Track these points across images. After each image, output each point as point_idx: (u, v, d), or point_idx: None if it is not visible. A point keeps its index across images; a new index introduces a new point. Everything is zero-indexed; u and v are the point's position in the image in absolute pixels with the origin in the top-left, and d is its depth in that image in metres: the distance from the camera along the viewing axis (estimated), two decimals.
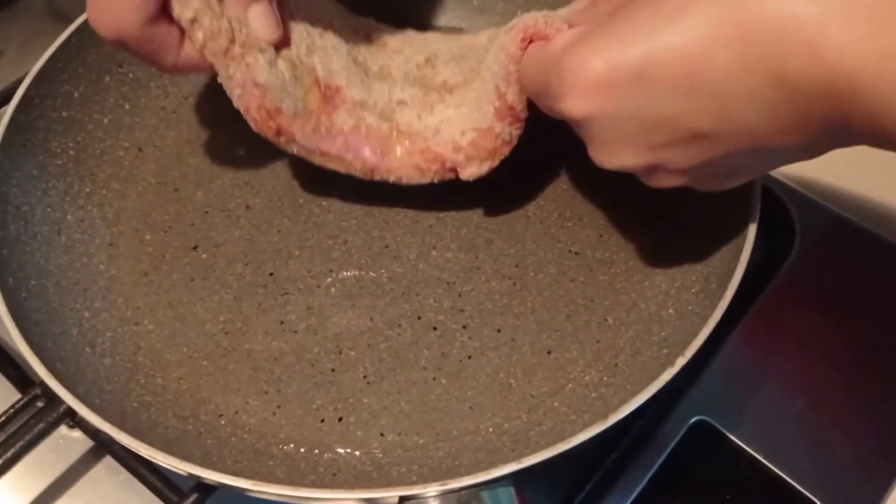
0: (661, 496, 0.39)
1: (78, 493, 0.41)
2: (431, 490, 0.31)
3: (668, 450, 0.40)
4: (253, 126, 0.38)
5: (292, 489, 0.31)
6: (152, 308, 0.41)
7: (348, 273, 0.42)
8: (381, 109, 0.41)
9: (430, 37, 0.46)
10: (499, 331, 0.40)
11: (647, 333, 0.39)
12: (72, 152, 0.44)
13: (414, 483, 0.31)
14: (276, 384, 0.39)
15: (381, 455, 0.37)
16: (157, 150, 0.47)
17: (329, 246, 0.43)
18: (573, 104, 0.30)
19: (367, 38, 0.44)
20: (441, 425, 0.37)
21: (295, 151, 0.40)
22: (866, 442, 0.40)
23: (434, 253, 0.43)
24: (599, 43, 0.29)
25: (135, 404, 0.37)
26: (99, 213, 0.44)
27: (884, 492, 0.39)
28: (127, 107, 0.47)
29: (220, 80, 0.37)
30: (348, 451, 0.37)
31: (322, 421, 0.38)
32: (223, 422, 0.38)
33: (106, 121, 0.46)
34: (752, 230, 0.36)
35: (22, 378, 0.42)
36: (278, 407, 0.38)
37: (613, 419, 0.31)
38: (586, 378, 0.38)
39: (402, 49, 0.44)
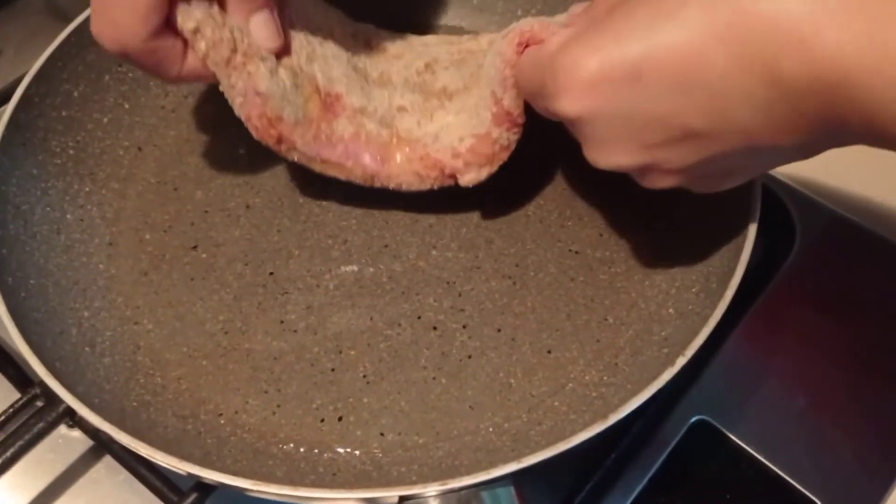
0: (661, 496, 0.39)
1: (77, 493, 0.41)
2: (431, 490, 0.31)
3: (669, 449, 0.40)
4: (254, 134, 0.39)
5: (292, 489, 0.31)
6: (152, 307, 0.41)
7: (348, 272, 0.42)
8: (381, 116, 0.41)
9: (430, 41, 0.46)
10: (499, 330, 0.40)
11: (647, 333, 0.39)
12: (71, 151, 0.44)
13: (414, 483, 0.31)
14: (276, 384, 0.39)
15: (380, 455, 0.37)
16: (157, 150, 0.47)
17: (329, 245, 0.43)
18: (567, 103, 0.30)
19: (367, 44, 0.44)
20: (441, 425, 0.37)
21: (296, 159, 0.40)
22: (867, 441, 0.40)
23: (434, 252, 0.43)
24: (594, 42, 0.29)
25: (134, 404, 0.37)
26: (98, 213, 0.44)
27: (884, 492, 0.39)
28: (127, 106, 0.47)
29: (221, 88, 0.38)
30: (348, 450, 0.37)
31: (322, 420, 0.38)
32: (223, 421, 0.38)
33: (105, 120, 0.46)
34: (753, 230, 0.36)
35: (21, 377, 0.42)
36: (278, 406, 0.38)
37: (614, 419, 0.31)
38: (586, 377, 0.38)
39: (401, 55, 0.44)
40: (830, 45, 0.24)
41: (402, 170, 0.41)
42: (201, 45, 0.36)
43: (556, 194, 0.45)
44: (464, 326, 0.40)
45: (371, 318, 0.41)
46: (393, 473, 0.36)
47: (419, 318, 0.41)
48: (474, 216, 0.44)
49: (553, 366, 0.39)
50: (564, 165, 0.45)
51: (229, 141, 0.47)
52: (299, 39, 0.40)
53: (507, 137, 0.38)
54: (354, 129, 0.40)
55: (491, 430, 0.37)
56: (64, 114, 0.44)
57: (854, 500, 0.39)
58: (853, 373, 0.42)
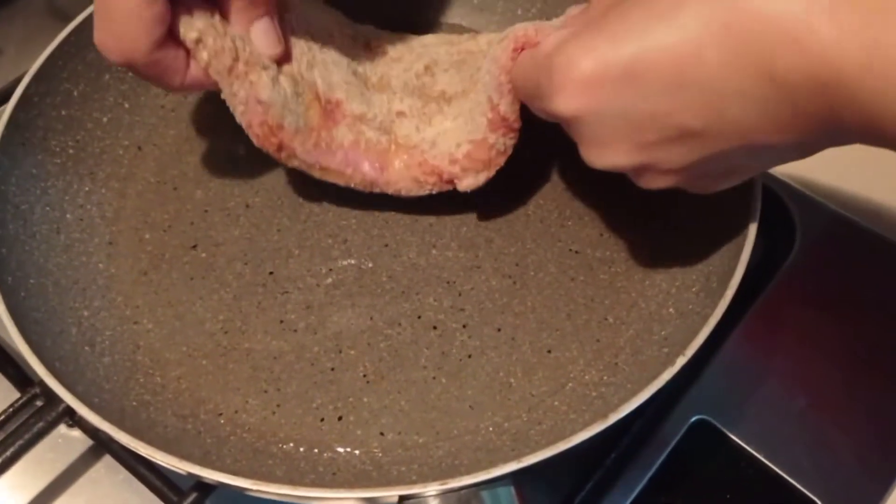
0: (661, 495, 0.39)
1: (77, 492, 0.41)
2: (431, 489, 0.30)
3: (669, 449, 0.40)
4: (255, 141, 0.39)
5: (292, 488, 0.31)
6: (151, 307, 0.41)
7: (348, 272, 0.42)
8: (380, 122, 0.41)
9: (430, 41, 0.46)
10: (499, 330, 0.40)
11: (647, 332, 0.39)
12: (71, 151, 0.44)
13: (414, 482, 0.31)
14: (276, 383, 0.39)
15: (380, 454, 0.37)
16: (157, 149, 0.47)
17: (329, 245, 0.43)
18: (563, 103, 0.30)
19: (367, 46, 0.44)
20: (441, 424, 0.37)
21: (296, 165, 0.40)
22: (866, 441, 0.40)
23: (434, 251, 0.43)
24: (589, 42, 0.29)
25: (134, 403, 0.37)
26: (98, 212, 0.44)
27: (884, 491, 0.39)
28: (126, 105, 0.47)
29: (223, 96, 0.38)
30: (348, 450, 0.37)
31: (322, 420, 0.38)
32: (222, 421, 0.38)
33: (105, 119, 0.46)
34: (753, 229, 0.36)
35: (21, 377, 0.42)
36: (278, 406, 0.38)
37: (614, 418, 0.31)
38: (586, 377, 0.38)
39: (401, 57, 0.44)
40: (824, 44, 0.24)
41: (401, 176, 0.41)
42: (203, 55, 0.36)
43: (556, 194, 0.45)
44: (464, 326, 0.40)
45: (371, 318, 0.41)
46: (393, 473, 0.35)
47: (419, 317, 0.41)
48: (474, 215, 0.44)
49: (553, 365, 0.39)
50: (564, 165, 0.45)
51: (229, 140, 0.46)
52: (300, 46, 0.40)
53: (504, 143, 0.39)
54: (354, 136, 0.41)
55: (491, 429, 0.37)
56: (64, 113, 0.44)
57: (854, 500, 0.39)
58: (853, 372, 0.42)
